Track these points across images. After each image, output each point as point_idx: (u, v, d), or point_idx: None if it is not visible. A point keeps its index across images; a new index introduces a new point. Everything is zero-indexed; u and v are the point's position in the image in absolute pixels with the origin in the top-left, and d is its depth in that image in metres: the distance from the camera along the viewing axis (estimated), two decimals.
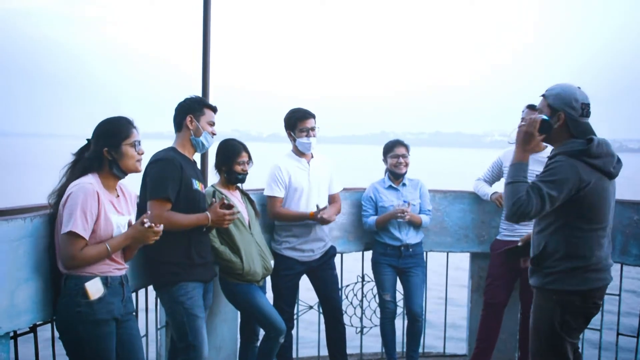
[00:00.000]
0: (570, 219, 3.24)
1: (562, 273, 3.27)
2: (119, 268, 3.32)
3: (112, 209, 3.26)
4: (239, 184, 4.54)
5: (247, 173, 4.48)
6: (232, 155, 4.43)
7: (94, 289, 3.17)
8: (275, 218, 4.74)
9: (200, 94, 4.72)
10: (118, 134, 3.27)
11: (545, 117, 3.27)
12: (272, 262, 4.52)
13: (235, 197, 4.47)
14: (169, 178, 3.73)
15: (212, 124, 4.04)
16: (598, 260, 3.28)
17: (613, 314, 5.14)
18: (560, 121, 3.27)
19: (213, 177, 4.54)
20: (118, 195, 3.36)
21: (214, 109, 4.09)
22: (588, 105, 3.27)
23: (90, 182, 3.17)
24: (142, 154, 3.37)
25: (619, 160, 3.32)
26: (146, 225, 3.22)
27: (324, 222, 4.63)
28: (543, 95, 3.38)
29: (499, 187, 5.17)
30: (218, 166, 4.47)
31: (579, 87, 3.32)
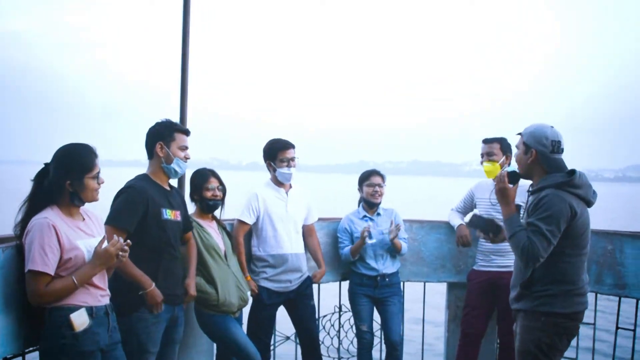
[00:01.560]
0: (558, 248, 3.41)
1: (552, 297, 3.45)
2: (102, 295, 3.28)
3: (81, 234, 3.23)
4: (215, 215, 4.51)
5: (219, 198, 4.44)
6: (200, 182, 4.42)
7: (80, 320, 3.13)
8: (235, 245, 4.66)
9: (177, 119, 4.67)
10: (81, 167, 3.22)
11: (509, 169, 3.60)
12: (249, 293, 4.49)
13: (211, 228, 4.45)
14: (129, 208, 3.66)
15: (184, 148, 3.93)
16: (583, 284, 3.51)
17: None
18: (533, 157, 3.54)
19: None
20: (84, 219, 3.32)
21: (186, 132, 3.98)
22: (559, 142, 3.52)
23: (45, 216, 3.12)
24: (102, 183, 3.32)
25: (594, 192, 3.58)
26: (112, 248, 3.16)
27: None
28: (520, 134, 3.65)
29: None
30: (191, 196, 4.46)
31: (552, 127, 3.56)
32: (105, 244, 3.19)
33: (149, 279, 3.70)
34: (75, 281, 3.11)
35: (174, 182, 4.20)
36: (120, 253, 3.22)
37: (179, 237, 3.99)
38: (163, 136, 3.88)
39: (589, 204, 3.54)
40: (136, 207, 3.68)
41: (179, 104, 4.94)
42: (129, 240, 3.27)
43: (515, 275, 3.71)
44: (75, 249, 3.15)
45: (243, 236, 4.70)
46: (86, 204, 3.34)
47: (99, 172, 3.28)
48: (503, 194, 3.59)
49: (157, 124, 3.92)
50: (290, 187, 4.86)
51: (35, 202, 3.20)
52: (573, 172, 3.49)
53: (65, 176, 3.19)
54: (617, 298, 4.95)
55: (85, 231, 3.27)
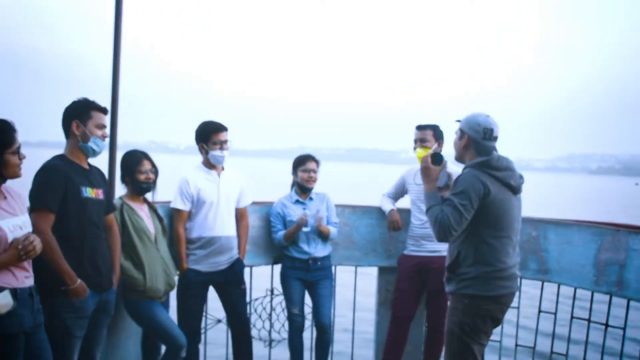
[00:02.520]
0: (478, 228, 3.59)
1: (474, 279, 3.60)
2: (27, 276, 3.19)
3: (3, 213, 3.13)
4: (147, 198, 4.45)
5: (151, 181, 4.39)
6: (132, 164, 4.35)
7: (4, 302, 3.03)
8: (174, 234, 4.66)
9: (110, 101, 4.53)
10: (1, 142, 3.13)
11: (432, 151, 3.83)
12: (176, 278, 4.46)
13: (142, 211, 4.39)
14: (50, 187, 3.55)
15: (101, 126, 3.81)
16: (505, 268, 3.64)
17: (512, 325, 5.31)
18: (465, 141, 3.75)
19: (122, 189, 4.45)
20: (5, 197, 3.22)
21: (103, 110, 3.85)
22: (492, 130, 3.70)
23: None
24: (24, 158, 3.23)
25: (520, 176, 3.76)
26: (19, 247, 3.07)
27: None
28: (457, 120, 3.86)
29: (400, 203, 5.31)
30: (123, 178, 4.39)
31: (488, 115, 3.76)
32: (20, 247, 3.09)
33: (74, 275, 3.59)
34: None
35: (103, 164, 4.10)
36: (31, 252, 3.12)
37: (102, 216, 3.90)
38: (79, 114, 3.75)
39: (513, 189, 3.70)
40: (55, 186, 3.57)
41: (110, 83, 4.77)
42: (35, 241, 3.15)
43: (447, 257, 3.84)
44: None
45: (181, 224, 4.66)
46: (8, 182, 3.24)
47: (19, 147, 3.19)
48: (425, 173, 3.81)
49: (74, 102, 3.80)
50: (223, 169, 4.82)
51: None
52: (492, 154, 3.70)
53: None
54: (540, 283, 5.09)
55: (7, 210, 3.17)
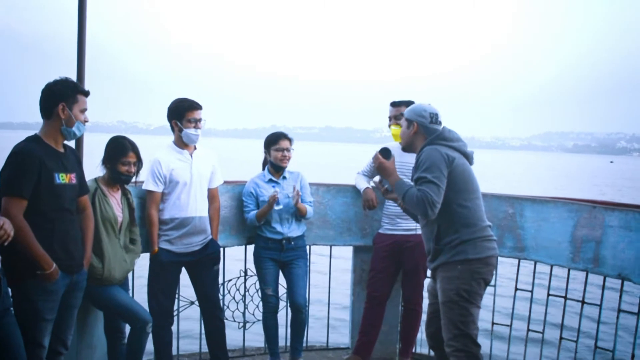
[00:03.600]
0: (451, 195, 3.78)
1: (462, 244, 3.80)
2: None
3: None
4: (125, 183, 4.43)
5: (132, 175, 4.37)
6: (118, 153, 4.33)
7: None
8: (146, 217, 4.62)
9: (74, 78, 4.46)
10: None
11: (380, 148, 4.11)
12: (134, 266, 4.54)
13: (114, 197, 4.36)
14: (24, 174, 3.48)
15: (84, 111, 3.77)
16: (486, 226, 3.89)
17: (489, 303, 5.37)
18: (414, 129, 4.01)
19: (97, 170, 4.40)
20: None
21: (86, 94, 3.80)
22: (437, 115, 4.02)
23: None
24: None
25: (471, 151, 4.02)
26: None
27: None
28: (401, 114, 4.22)
29: None
30: (104, 161, 4.36)
31: (429, 104, 4.06)
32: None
33: (50, 259, 3.55)
34: None
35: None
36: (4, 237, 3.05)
37: (75, 200, 3.85)
38: (66, 97, 3.67)
39: (467, 157, 3.98)
40: (29, 173, 3.50)
41: (75, 60, 4.70)
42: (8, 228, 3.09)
43: (425, 240, 4.00)
44: None
45: (154, 207, 4.63)
46: None
47: None
48: (382, 168, 4.03)
49: (57, 82, 3.69)
50: (195, 148, 4.77)
51: None
52: (442, 128, 3.99)
53: None
54: (517, 260, 5.15)
55: None
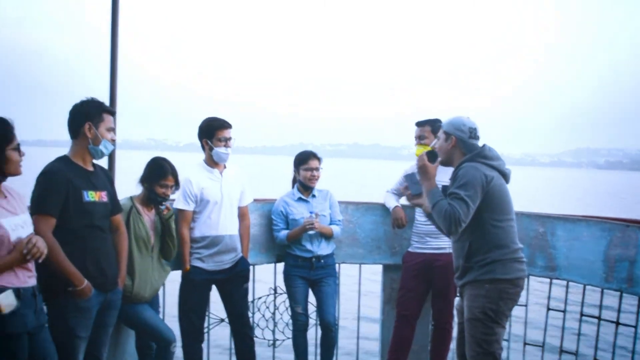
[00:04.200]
0: (485, 214, 3.75)
1: (493, 263, 3.76)
2: (29, 276, 3.21)
3: (4, 212, 3.15)
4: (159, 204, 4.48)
5: (167, 198, 4.43)
6: (157, 175, 4.40)
7: (7, 301, 3.05)
8: (178, 235, 4.64)
9: (107, 96, 4.54)
10: (1, 139, 3.15)
11: (428, 149, 4.03)
12: (164, 282, 4.60)
13: (148, 216, 4.43)
14: (51, 193, 3.55)
15: (111, 129, 3.83)
16: (518, 249, 3.84)
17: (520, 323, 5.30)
18: (453, 143, 3.94)
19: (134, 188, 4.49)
20: (6, 197, 3.24)
21: (113, 113, 3.88)
22: (475, 129, 3.95)
23: None
24: (24, 155, 3.25)
25: (507, 169, 3.97)
26: (24, 251, 3.09)
27: None
28: (439, 125, 4.14)
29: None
30: (142, 180, 4.43)
31: (468, 117, 4.00)
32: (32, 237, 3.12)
33: (81, 275, 3.60)
34: None
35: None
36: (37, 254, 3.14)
37: (107, 218, 3.89)
38: (92, 116, 3.74)
39: (505, 176, 3.92)
40: (56, 191, 3.57)
41: (108, 78, 4.78)
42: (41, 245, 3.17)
43: (455, 257, 3.96)
44: (0, 228, 3.07)
45: (185, 225, 4.65)
46: (8, 181, 3.26)
47: (19, 144, 3.21)
48: (423, 171, 3.93)
49: (85, 103, 3.78)
50: (225, 167, 4.81)
51: None
52: (483, 145, 3.93)
53: None
54: (549, 280, 5.09)
55: (8, 209, 3.19)
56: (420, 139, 5.06)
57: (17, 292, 3.12)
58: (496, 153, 3.93)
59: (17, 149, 3.19)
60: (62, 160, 3.74)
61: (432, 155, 3.97)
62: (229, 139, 4.71)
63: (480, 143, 3.97)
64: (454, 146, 3.94)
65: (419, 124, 5.11)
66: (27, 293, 3.18)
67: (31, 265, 3.24)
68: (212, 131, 4.69)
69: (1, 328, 3.05)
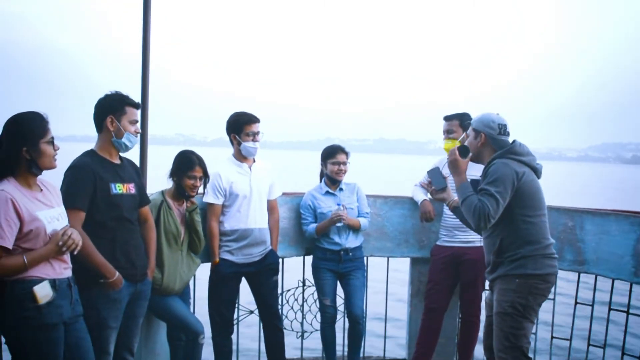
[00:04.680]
0: (517, 210, 3.75)
1: (523, 259, 3.75)
2: (65, 267, 3.27)
3: (40, 205, 3.20)
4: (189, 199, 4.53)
5: (196, 189, 4.47)
6: (185, 167, 4.43)
7: (43, 292, 3.11)
8: (207, 229, 4.70)
9: (139, 92, 4.59)
10: (35, 132, 3.18)
11: (457, 144, 4.00)
12: (193, 275, 4.64)
13: (178, 210, 4.48)
14: (79, 186, 3.60)
15: (134, 122, 3.86)
16: (549, 244, 3.84)
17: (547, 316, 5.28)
18: (482, 140, 3.93)
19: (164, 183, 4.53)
20: (41, 190, 3.29)
21: (136, 106, 3.90)
22: (505, 125, 3.94)
23: (2, 188, 3.08)
24: (58, 149, 3.29)
25: (538, 163, 3.95)
26: (59, 243, 3.14)
27: None
28: (468, 122, 4.12)
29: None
30: (171, 174, 4.48)
31: (497, 113, 3.98)
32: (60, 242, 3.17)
33: (112, 267, 3.67)
34: (26, 262, 3.08)
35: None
36: (73, 246, 3.20)
37: (135, 210, 3.95)
38: (114, 109, 3.78)
39: (536, 171, 3.91)
40: (84, 185, 3.62)
41: (140, 76, 4.83)
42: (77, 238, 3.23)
43: (486, 252, 3.97)
44: (36, 220, 3.13)
45: (215, 219, 4.70)
46: (43, 174, 3.31)
47: (53, 138, 3.25)
48: (454, 165, 3.94)
49: (107, 96, 3.83)
50: (254, 161, 4.84)
51: None
52: (514, 141, 3.92)
53: (20, 143, 3.14)
54: (577, 274, 5.07)
55: (44, 202, 3.24)
56: (448, 133, 5.05)
57: (53, 283, 3.18)
58: (527, 149, 3.92)
59: (52, 142, 3.23)
60: (89, 154, 3.81)
61: (463, 150, 3.97)
62: (257, 133, 4.74)
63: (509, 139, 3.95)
64: (484, 143, 3.94)
65: (447, 118, 5.10)
66: (63, 284, 3.24)
67: (66, 257, 3.30)
68: (240, 126, 4.72)
69: (38, 318, 3.11)
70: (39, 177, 3.31)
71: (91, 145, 3.90)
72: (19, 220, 3.07)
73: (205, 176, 4.51)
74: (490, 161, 3.86)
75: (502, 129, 3.92)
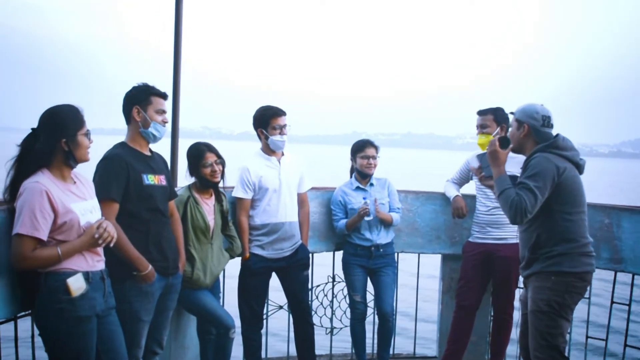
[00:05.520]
0: (556, 206, 3.70)
1: (560, 256, 3.71)
2: (98, 260, 3.30)
3: (74, 197, 3.23)
4: (216, 187, 4.52)
5: (217, 175, 4.44)
6: (196, 159, 4.43)
7: (77, 285, 3.14)
8: (237, 224, 4.70)
9: (171, 85, 4.62)
10: (73, 124, 3.22)
11: (499, 135, 3.86)
12: (223, 268, 4.64)
13: (207, 205, 4.47)
14: (112, 178, 3.62)
15: (161, 112, 3.87)
16: (587, 243, 3.78)
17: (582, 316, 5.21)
18: (525, 131, 3.86)
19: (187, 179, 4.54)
20: (75, 182, 3.32)
21: (162, 96, 3.91)
22: (549, 117, 3.86)
23: (37, 180, 3.11)
24: (92, 142, 3.32)
25: (581, 159, 3.89)
26: (95, 236, 3.17)
27: None
28: (512, 112, 3.99)
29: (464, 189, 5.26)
30: (190, 172, 4.48)
31: (542, 104, 3.91)
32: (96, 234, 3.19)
33: (145, 261, 3.70)
34: (60, 253, 3.11)
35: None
36: (108, 239, 3.22)
37: (166, 202, 3.98)
38: (139, 100, 3.82)
39: (579, 167, 3.84)
40: (117, 175, 3.65)
41: (172, 70, 4.87)
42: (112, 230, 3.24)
43: (521, 247, 3.93)
44: (70, 212, 3.15)
45: (244, 213, 4.70)
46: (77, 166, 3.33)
47: (89, 131, 3.29)
48: (494, 157, 3.89)
49: (134, 87, 3.86)
50: (283, 154, 4.83)
51: (24, 166, 3.18)
52: (557, 135, 3.84)
53: (59, 135, 3.17)
54: (613, 273, 4.99)
55: (78, 194, 3.27)
56: (482, 127, 4.97)
57: (87, 275, 3.20)
58: (570, 143, 3.84)
59: (87, 135, 3.27)
60: (120, 146, 3.84)
61: (504, 141, 3.90)
62: (284, 126, 4.71)
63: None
64: (527, 134, 3.87)
65: (481, 113, 5.02)
66: (96, 277, 3.27)
67: (100, 250, 3.32)
68: (266, 120, 4.70)
69: (71, 311, 3.13)
70: (73, 170, 3.34)
71: (118, 138, 3.93)
72: (53, 212, 3.09)
73: (220, 158, 4.47)
74: (532, 154, 3.81)
75: (546, 121, 3.85)
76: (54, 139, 3.17)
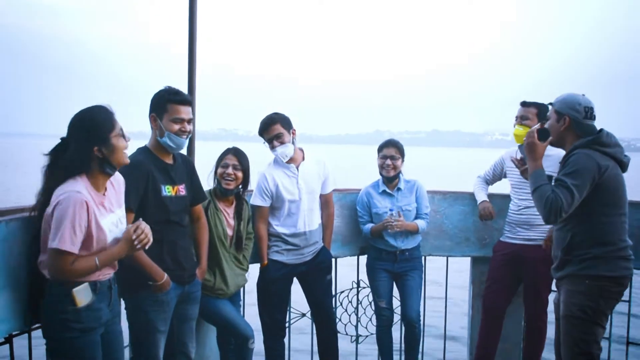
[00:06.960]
0: (594, 206, 3.60)
1: (595, 259, 3.61)
2: (110, 270, 3.28)
3: (103, 211, 3.17)
4: (232, 195, 4.53)
5: (231, 178, 4.43)
6: (218, 158, 4.49)
7: (82, 295, 3.12)
8: (255, 231, 4.69)
9: (186, 85, 4.61)
10: (103, 127, 3.12)
11: (538, 127, 3.75)
12: (247, 276, 4.65)
13: (226, 213, 4.49)
14: (131, 187, 3.55)
15: (178, 121, 3.74)
16: (626, 246, 3.67)
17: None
18: (566, 124, 3.73)
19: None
20: (106, 189, 3.26)
21: (182, 103, 3.76)
22: (592, 108, 3.74)
23: (78, 190, 3.04)
24: (129, 140, 3.25)
25: (626, 155, 3.77)
26: (133, 237, 3.15)
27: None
28: (550, 103, 3.87)
29: (498, 188, 5.19)
30: (214, 174, 4.53)
31: (584, 94, 3.78)
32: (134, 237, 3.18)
33: (160, 270, 3.69)
34: (98, 263, 3.10)
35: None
36: (145, 240, 3.21)
37: (185, 210, 3.96)
38: (155, 108, 3.76)
39: (622, 164, 3.72)
40: (137, 184, 3.62)
41: (187, 70, 4.86)
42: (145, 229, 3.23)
43: (554, 246, 3.84)
44: (100, 230, 3.12)
45: (262, 221, 4.68)
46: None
47: (122, 130, 3.20)
48: (531, 149, 3.77)
49: (155, 93, 3.80)
50: (303, 159, 4.76)
51: (59, 175, 3.10)
52: (601, 130, 3.71)
53: (91, 142, 3.10)
54: None
55: (107, 206, 3.22)
56: (522, 119, 4.85)
57: (94, 286, 3.18)
58: (614, 139, 3.71)
59: (122, 135, 3.19)
60: (143, 151, 3.81)
61: (543, 133, 3.78)
62: (276, 136, 4.57)
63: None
64: (567, 127, 3.75)
65: (525, 104, 4.92)
66: (104, 286, 3.25)
67: (115, 262, 3.31)
68: (262, 135, 4.64)
69: (77, 322, 3.11)
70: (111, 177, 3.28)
71: (142, 141, 3.91)
72: (87, 225, 3.05)
73: (242, 165, 4.46)
74: (572, 149, 3.70)
75: (589, 113, 3.72)
76: (86, 147, 3.10)
